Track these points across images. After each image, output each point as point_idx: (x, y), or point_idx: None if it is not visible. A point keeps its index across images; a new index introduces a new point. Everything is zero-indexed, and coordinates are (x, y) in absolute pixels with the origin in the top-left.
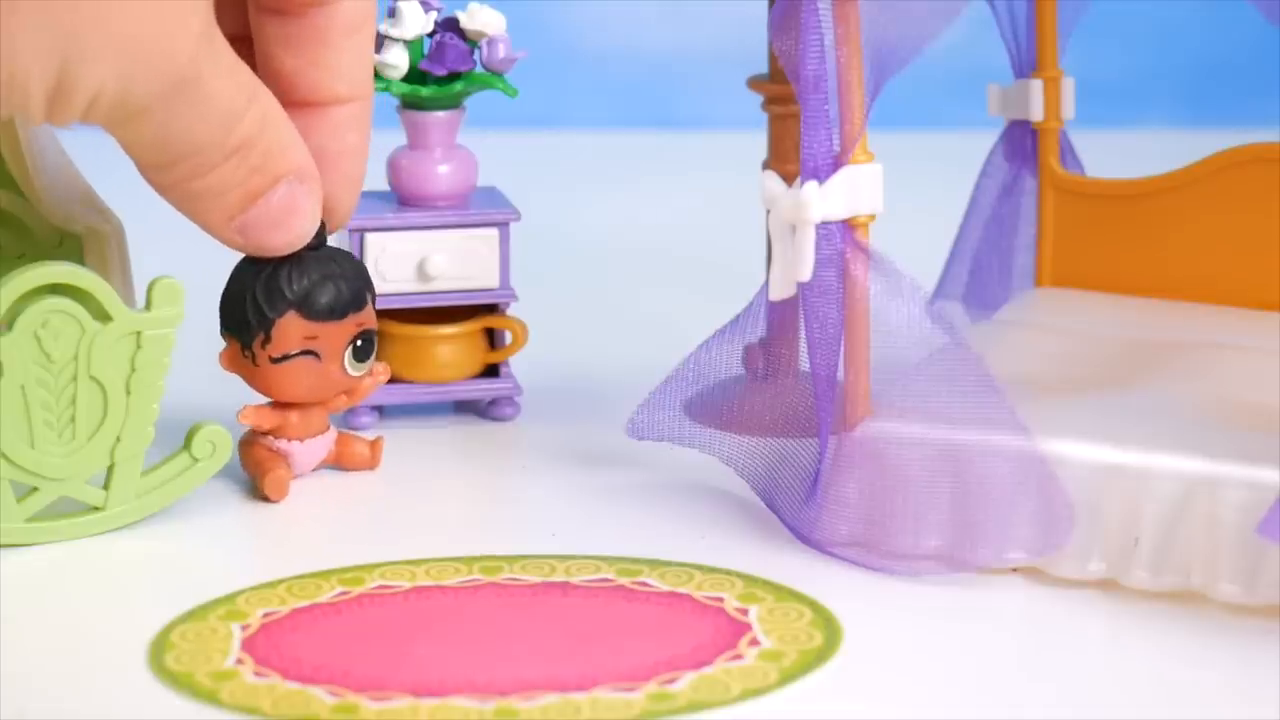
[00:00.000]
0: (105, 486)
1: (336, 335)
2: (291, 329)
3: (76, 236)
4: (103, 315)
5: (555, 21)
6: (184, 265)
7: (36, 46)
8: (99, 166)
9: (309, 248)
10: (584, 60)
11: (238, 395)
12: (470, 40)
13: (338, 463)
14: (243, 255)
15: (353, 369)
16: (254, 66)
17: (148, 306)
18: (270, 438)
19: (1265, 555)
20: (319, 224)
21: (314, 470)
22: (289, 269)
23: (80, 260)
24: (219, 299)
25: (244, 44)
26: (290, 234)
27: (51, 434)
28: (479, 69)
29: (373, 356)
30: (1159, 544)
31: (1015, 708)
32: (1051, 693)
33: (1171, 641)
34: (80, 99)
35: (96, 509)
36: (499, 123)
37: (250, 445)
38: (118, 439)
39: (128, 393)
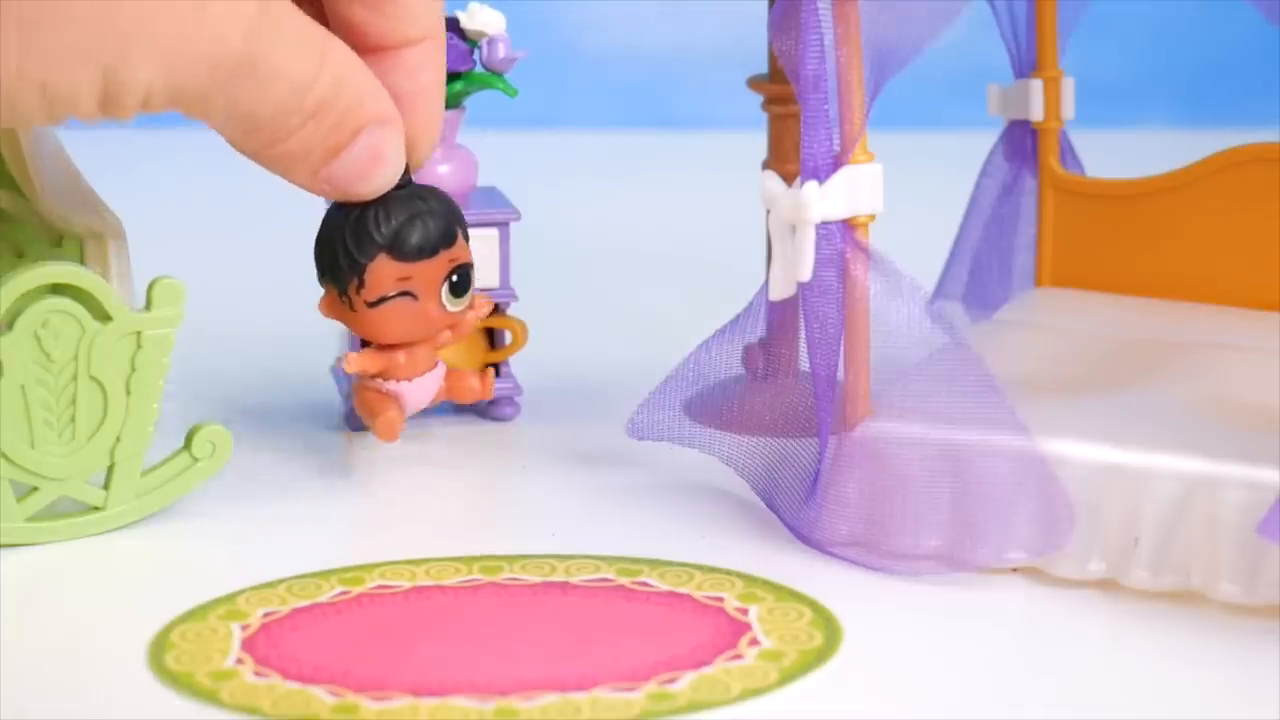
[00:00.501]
0: (105, 486)
1: (430, 273)
2: (384, 271)
3: (76, 236)
4: (103, 315)
5: (555, 21)
6: (184, 265)
7: (76, 54)
8: (99, 166)
9: (395, 187)
10: (584, 60)
11: (238, 395)
12: (470, 40)
13: (449, 398)
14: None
15: (451, 305)
16: (323, 16)
17: (148, 306)
18: (379, 380)
19: (1265, 555)
20: (404, 166)
21: (428, 407)
22: (375, 211)
23: (80, 260)
24: (313, 245)
25: None
26: (377, 180)
27: (51, 434)
28: (479, 69)
29: (471, 290)
30: (1159, 544)
31: (1015, 707)
32: (1051, 692)
33: (1171, 641)
34: (131, 100)
35: (96, 509)
36: (499, 123)
37: (361, 390)
38: (118, 439)
39: (128, 392)
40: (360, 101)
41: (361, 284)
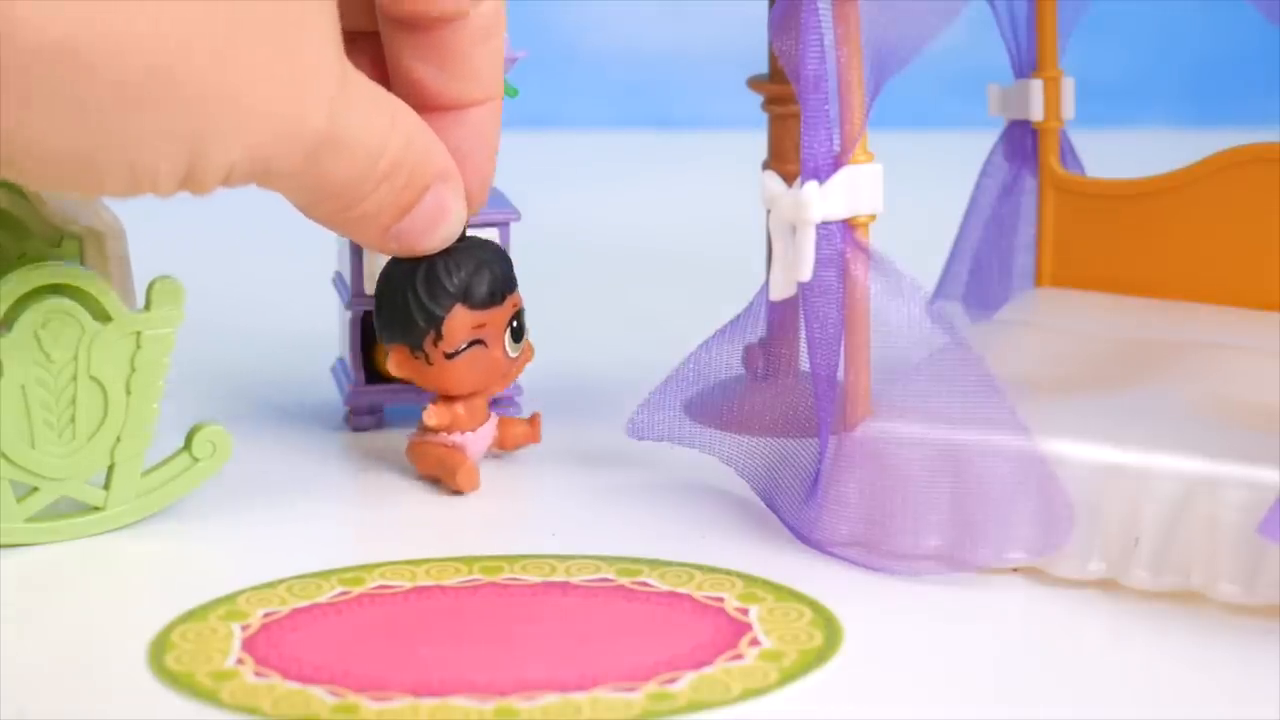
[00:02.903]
0: (105, 486)
1: (498, 320)
2: (460, 322)
3: (76, 236)
4: (103, 315)
5: (555, 21)
6: (184, 265)
7: (166, 135)
8: None
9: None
10: (584, 60)
11: (238, 395)
12: None
13: (501, 446)
14: (388, 260)
15: (512, 350)
16: (384, 72)
17: (148, 306)
18: (443, 434)
19: (1265, 555)
20: (465, 220)
21: (482, 458)
22: (444, 264)
23: (80, 260)
24: (374, 309)
25: (372, 40)
26: (441, 235)
27: (52, 434)
28: None
29: (525, 335)
30: (1159, 544)
31: (1015, 707)
32: (1051, 692)
33: (1171, 641)
34: (213, 179)
35: (97, 509)
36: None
37: (424, 446)
38: (118, 439)
39: (128, 393)
40: (427, 160)
41: (439, 336)
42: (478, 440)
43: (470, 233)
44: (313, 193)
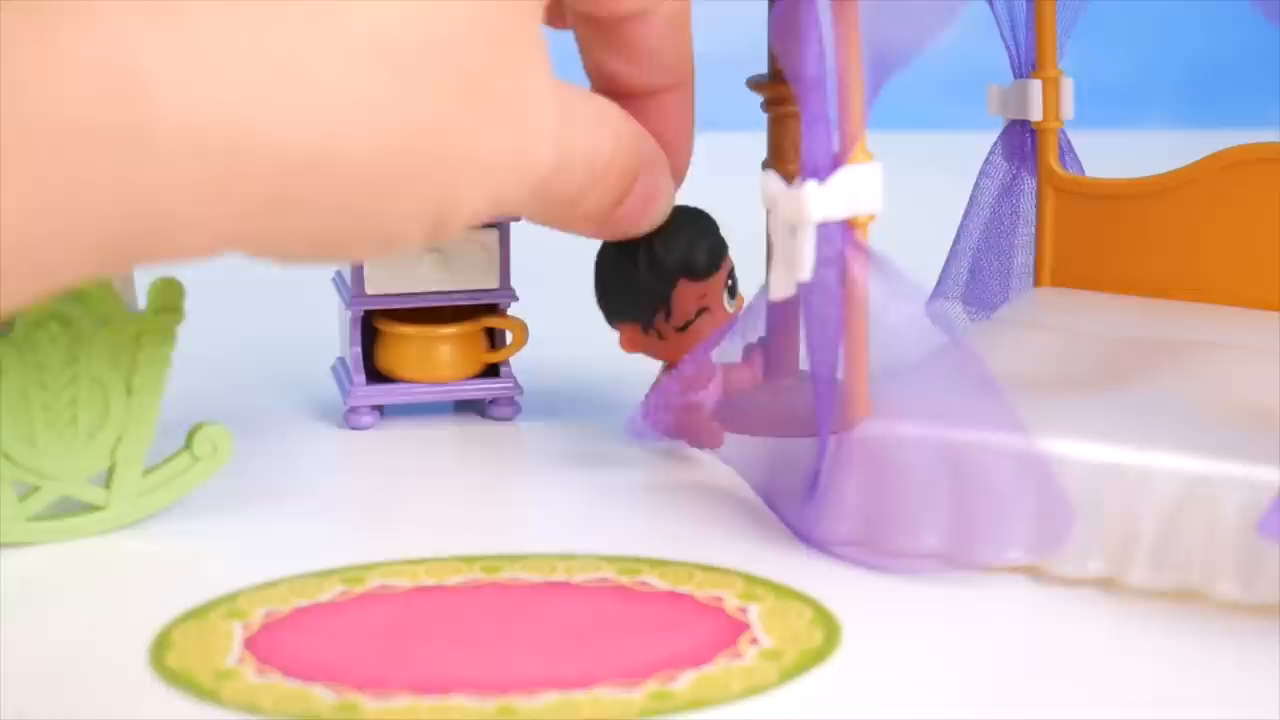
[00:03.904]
0: (106, 486)
1: (717, 285)
2: (686, 295)
3: None
4: (103, 315)
5: None
6: (184, 265)
7: (412, 211)
8: None
9: None
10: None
11: (238, 394)
12: None
13: (728, 395)
14: (601, 247)
15: (729, 306)
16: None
17: (148, 306)
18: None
19: (1265, 555)
20: (673, 199)
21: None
22: (661, 242)
23: None
24: (597, 294)
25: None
26: (652, 218)
27: (52, 434)
28: None
29: (739, 288)
30: (1159, 543)
31: (1015, 707)
32: (1051, 692)
33: (1171, 641)
34: (456, 228)
35: (97, 508)
36: None
37: (672, 412)
38: (118, 438)
39: (128, 392)
40: (636, 150)
41: (669, 313)
42: (709, 396)
43: (469, 232)
44: (538, 209)
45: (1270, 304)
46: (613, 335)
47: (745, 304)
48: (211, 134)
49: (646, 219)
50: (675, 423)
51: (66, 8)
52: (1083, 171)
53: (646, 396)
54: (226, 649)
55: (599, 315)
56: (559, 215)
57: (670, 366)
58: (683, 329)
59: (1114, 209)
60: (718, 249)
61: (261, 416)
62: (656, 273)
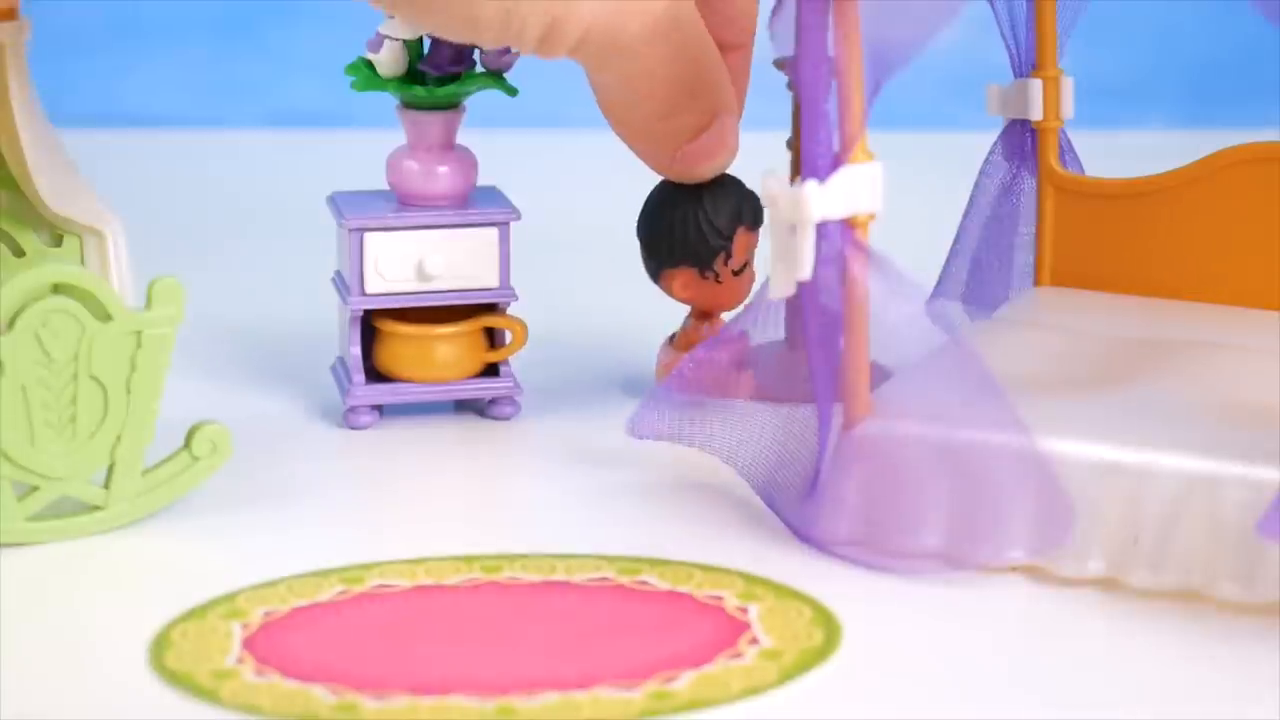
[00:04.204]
0: (106, 485)
1: (756, 240)
2: (743, 241)
3: (76, 236)
4: (103, 315)
5: None
6: (184, 265)
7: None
8: (99, 166)
9: None
10: None
11: (238, 394)
12: None
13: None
14: (655, 194)
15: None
16: None
17: (148, 306)
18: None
19: (1265, 555)
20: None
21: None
22: (719, 191)
23: (80, 260)
24: (650, 240)
25: None
26: (718, 161)
27: (52, 433)
28: (479, 69)
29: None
30: (1159, 543)
31: (1015, 707)
32: (1051, 692)
33: (1171, 641)
34: (566, 43)
35: (97, 508)
36: (499, 123)
37: (694, 367)
38: (118, 438)
39: (128, 392)
40: (724, 87)
41: (729, 256)
42: (738, 353)
43: (469, 231)
44: (647, 80)
45: (1270, 304)
46: (612, 335)
47: (747, 304)
48: None
49: (711, 162)
50: (709, 377)
51: None
52: (1083, 171)
53: (672, 371)
54: (225, 649)
55: (599, 315)
56: (651, 112)
57: (704, 316)
58: (738, 272)
59: (1114, 209)
60: (760, 205)
61: (261, 416)
62: (722, 215)
